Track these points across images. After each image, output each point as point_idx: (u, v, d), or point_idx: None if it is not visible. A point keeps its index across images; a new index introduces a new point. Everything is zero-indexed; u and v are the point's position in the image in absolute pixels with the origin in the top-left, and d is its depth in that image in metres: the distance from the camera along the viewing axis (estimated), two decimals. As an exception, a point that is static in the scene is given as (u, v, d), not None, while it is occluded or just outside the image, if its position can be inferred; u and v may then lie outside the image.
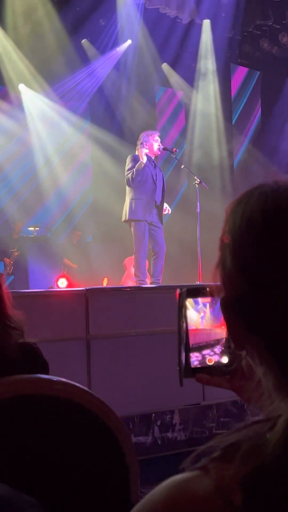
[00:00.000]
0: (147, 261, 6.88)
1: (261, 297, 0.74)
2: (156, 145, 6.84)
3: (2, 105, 10.76)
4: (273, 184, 0.78)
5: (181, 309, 1.01)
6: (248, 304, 0.75)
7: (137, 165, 6.63)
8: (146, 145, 6.82)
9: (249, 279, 0.75)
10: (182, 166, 7.31)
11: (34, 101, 11.12)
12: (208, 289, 0.96)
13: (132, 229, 6.74)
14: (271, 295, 0.72)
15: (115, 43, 10.80)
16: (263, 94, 11.84)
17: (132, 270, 7.94)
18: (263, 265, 0.74)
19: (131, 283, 8.43)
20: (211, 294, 0.96)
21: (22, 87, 10.88)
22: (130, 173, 6.66)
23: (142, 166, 6.61)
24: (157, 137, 6.89)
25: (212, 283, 0.83)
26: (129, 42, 10.82)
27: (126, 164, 6.83)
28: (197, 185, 7.11)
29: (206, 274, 6.67)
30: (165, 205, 6.87)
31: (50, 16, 9.69)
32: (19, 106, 10.98)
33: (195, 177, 7.15)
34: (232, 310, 0.78)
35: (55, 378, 1.26)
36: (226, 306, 0.79)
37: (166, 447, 4.30)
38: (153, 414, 4.33)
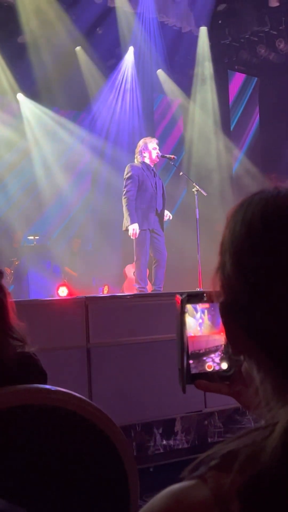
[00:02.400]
0: (147, 268, 6.88)
1: (260, 303, 0.74)
2: (155, 153, 6.85)
3: (0, 115, 10.79)
4: (273, 190, 0.78)
5: (182, 315, 1.01)
6: (247, 309, 0.75)
7: (128, 217, 6.58)
8: (144, 153, 6.83)
9: (248, 284, 0.75)
10: (181, 173, 7.31)
11: (33, 110, 11.16)
12: (206, 294, 0.96)
13: (133, 237, 6.75)
14: (270, 300, 0.73)
15: (113, 52, 10.82)
16: (261, 100, 11.87)
17: (133, 277, 7.94)
18: (262, 270, 0.74)
19: (131, 290, 8.43)
20: (210, 299, 0.96)
21: (20, 96, 10.92)
22: (126, 198, 6.65)
23: (127, 224, 6.58)
24: (155, 145, 6.89)
25: (211, 289, 0.83)
26: (131, 49, 10.86)
27: (125, 173, 6.82)
28: (196, 192, 7.11)
29: (206, 280, 6.65)
30: (166, 211, 6.87)
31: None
32: (18, 115, 11.02)
33: (194, 184, 7.15)
34: (231, 314, 0.78)
35: (52, 387, 1.25)
36: (225, 310, 0.79)
37: (168, 455, 4.28)
38: (155, 422, 4.31)
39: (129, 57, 11.02)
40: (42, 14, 9.29)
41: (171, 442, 4.33)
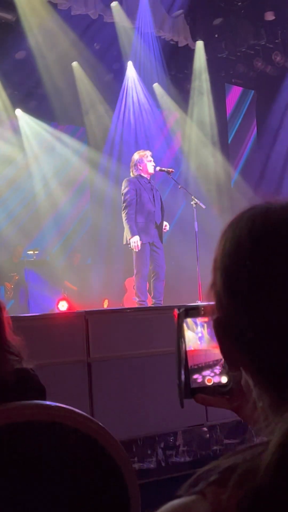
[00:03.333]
0: (147, 281, 6.88)
1: (248, 321, 0.74)
2: (150, 165, 6.83)
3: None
4: (262, 207, 0.79)
5: (180, 329, 1.01)
6: (238, 325, 0.76)
7: (129, 231, 6.59)
8: (140, 166, 6.82)
9: (237, 302, 0.76)
10: (180, 187, 7.32)
11: (31, 125, 11.22)
12: (206, 308, 0.97)
13: (133, 250, 6.74)
14: (259, 317, 0.73)
15: (110, 67, 10.88)
16: (258, 113, 11.92)
17: (133, 291, 7.93)
18: (250, 288, 0.74)
19: (132, 304, 8.42)
20: (206, 315, 0.97)
21: (18, 112, 10.98)
22: (125, 215, 6.66)
23: (129, 236, 6.60)
24: (149, 157, 6.87)
25: (207, 304, 0.83)
26: (130, 64, 10.93)
27: (123, 188, 6.81)
28: (194, 205, 7.12)
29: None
30: (164, 223, 6.87)
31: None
32: (16, 131, 11.07)
33: (193, 197, 7.16)
34: (224, 331, 0.79)
35: (52, 403, 1.25)
36: (218, 327, 0.80)
37: (170, 470, 4.26)
38: (157, 436, 4.29)
39: (130, 72, 11.09)
40: (42, 29, 9.35)
41: (173, 456, 4.31)
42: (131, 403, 4.34)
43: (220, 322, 0.79)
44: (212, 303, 0.81)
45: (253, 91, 11.81)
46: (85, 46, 10.09)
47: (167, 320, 4.45)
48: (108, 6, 9.25)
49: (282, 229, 0.75)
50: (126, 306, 8.74)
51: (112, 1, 9.18)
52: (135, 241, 6.53)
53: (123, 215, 6.70)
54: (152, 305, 6.65)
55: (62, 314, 6.64)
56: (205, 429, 4.49)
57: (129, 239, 6.57)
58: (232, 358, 0.79)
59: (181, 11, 9.65)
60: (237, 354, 0.77)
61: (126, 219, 6.64)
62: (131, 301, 8.42)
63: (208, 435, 4.49)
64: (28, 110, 11.06)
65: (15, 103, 10.75)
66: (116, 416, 4.12)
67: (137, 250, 6.57)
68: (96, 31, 9.89)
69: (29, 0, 8.86)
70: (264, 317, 0.72)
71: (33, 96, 10.94)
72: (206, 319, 1.01)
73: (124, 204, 6.70)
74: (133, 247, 6.55)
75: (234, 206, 10.59)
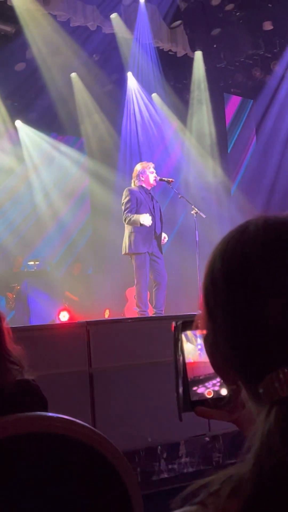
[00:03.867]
0: (148, 291, 6.87)
1: (228, 340, 0.77)
2: (152, 176, 6.87)
3: (-1, 142, 10.89)
4: (240, 228, 0.80)
5: (177, 342, 1.01)
6: (223, 345, 0.78)
7: (135, 219, 6.61)
8: (142, 177, 6.85)
9: (213, 322, 0.79)
10: (180, 196, 7.33)
11: (31, 136, 11.25)
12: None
13: (133, 261, 6.74)
14: (235, 338, 0.76)
15: (109, 78, 10.92)
16: (257, 122, 11.95)
17: (134, 301, 7.92)
18: (222, 310, 0.77)
19: (133, 314, 8.41)
20: (196, 329, 0.98)
21: (18, 123, 11.02)
22: (128, 218, 6.68)
23: (138, 225, 6.62)
24: (152, 168, 6.91)
25: (195, 319, 0.86)
26: (130, 75, 10.99)
27: (123, 197, 6.84)
28: (195, 215, 7.13)
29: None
30: (163, 234, 6.88)
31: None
32: (16, 142, 11.10)
33: (193, 207, 7.17)
34: (211, 347, 0.81)
35: (54, 415, 1.24)
36: (206, 342, 0.83)
37: (173, 480, 4.24)
38: (159, 447, 4.27)
39: (131, 82, 11.15)
40: (42, 41, 9.41)
41: (176, 466, 4.29)
42: (133, 414, 4.33)
43: (208, 339, 0.82)
44: (200, 320, 0.84)
45: (252, 101, 11.84)
46: (84, 57, 10.15)
47: (169, 330, 4.43)
48: (106, 18, 9.30)
49: (251, 253, 0.76)
50: (127, 316, 8.73)
51: (110, 13, 9.22)
52: (145, 218, 6.53)
53: (125, 221, 6.72)
54: (153, 315, 6.64)
55: (64, 324, 6.63)
56: (207, 439, 4.47)
57: (140, 221, 6.56)
58: (223, 372, 0.81)
59: (179, 22, 9.70)
60: (227, 368, 0.79)
61: (128, 221, 6.66)
62: (132, 311, 8.42)
63: (210, 445, 4.47)
64: (28, 121, 11.10)
65: (14, 114, 10.79)
66: (118, 426, 4.11)
67: (149, 224, 6.56)
68: (95, 42, 9.94)
69: (29, 11, 8.90)
70: (241, 341, 0.75)
71: (32, 107, 10.98)
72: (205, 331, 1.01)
73: (125, 213, 6.73)
74: (147, 223, 6.54)
75: (234, 215, 10.60)
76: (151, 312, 6.81)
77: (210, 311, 0.79)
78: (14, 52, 9.68)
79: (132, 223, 6.64)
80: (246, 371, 0.75)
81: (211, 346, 0.81)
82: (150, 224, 6.56)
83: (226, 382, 0.83)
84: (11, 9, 8.85)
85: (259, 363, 0.73)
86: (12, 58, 9.80)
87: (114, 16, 9.38)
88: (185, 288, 8.88)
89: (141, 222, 6.56)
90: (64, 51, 9.75)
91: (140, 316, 6.58)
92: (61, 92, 10.57)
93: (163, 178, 7.18)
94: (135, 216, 6.60)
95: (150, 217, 6.56)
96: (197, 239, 7.12)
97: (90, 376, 4.26)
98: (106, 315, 9.91)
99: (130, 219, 6.63)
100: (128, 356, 4.47)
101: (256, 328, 0.73)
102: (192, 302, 7.58)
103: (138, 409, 4.37)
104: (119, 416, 4.24)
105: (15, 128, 11.05)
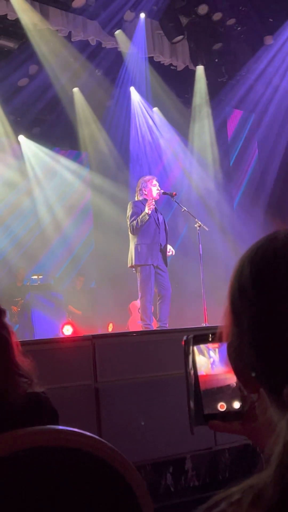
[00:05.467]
0: (152, 305, 6.87)
1: (255, 347, 0.77)
2: (155, 190, 6.91)
3: (2, 156, 10.93)
4: (268, 237, 0.82)
5: (188, 356, 1.01)
6: (247, 350, 0.78)
7: (141, 216, 6.66)
8: (145, 190, 6.89)
9: (241, 328, 0.79)
10: (183, 210, 7.35)
11: (34, 151, 11.30)
12: (215, 334, 0.98)
13: (138, 273, 6.75)
14: (262, 346, 0.76)
15: (110, 93, 10.98)
16: (259, 136, 11.98)
17: (137, 314, 7.92)
18: (251, 316, 0.78)
19: (136, 327, 8.40)
20: (218, 340, 0.98)
21: (21, 138, 11.07)
22: (135, 222, 6.71)
23: (147, 218, 6.65)
24: (154, 182, 6.96)
25: (218, 329, 0.86)
26: (133, 90, 11.06)
27: (128, 210, 6.88)
28: (198, 228, 7.14)
29: (211, 315, 6.64)
30: (169, 246, 6.90)
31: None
32: (19, 156, 11.16)
33: (196, 220, 7.19)
34: (236, 354, 0.82)
35: (67, 428, 1.25)
36: (230, 351, 0.83)
37: (179, 494, 4.22)
38: (165, 461, 4.25)
39: (134, 97, 11.21)
40: (44, 56, 9.47)
41: (182, 480, 4.27)
42: (139, 428, 4.31)
43: (232, 346, 0.82)
44: (224, 329, 0.84)
45: (254, 114, 11.89)
46: (86, 72, 10.22)
47: (173, 343, 4.44)
48: (108, 33, 9.36)
49: (281, 259, 0.77)
50: (131, 329, 8.71)
51: (110, 27, 9.28)
52: (147, 206, 6.62)
53: (132, 231, 6.75)
54: (157, 328, 6.64)
55: (69, 338, 6.62)
56: (213, 453, 4.45)
57: (146, 211, 6.65)
58: (245, 379, 0.81)
59: (181, 37, 9.77)
60: (250, 376, 0.79)
61: (134, 226, 6.70)
62: (136, 324, 8.40)
63: (216, 459, 4.45)
64: (31, 136, 11.15)
65: (18, 130, 10.85)
66: (124, 440, 4.09)
67: (150, 210, 6.63)
68: (97, 57, 10.02)
69: (33, 27, 8.97)
70: (264, 346, 0.75)
71: (35, 122, 11.05)
72: (216, 345, 1.01)
73: (131, 226, 6.76)
74: (150, 206, 6.64)
75: (237, 229, 10.61)
76: (155, 326, 6.81)
77: (236, 317, 0.80)
78: (17, 68, 9.76)
79: (140, 222, 6.67)
80: (270, 377, 0.76)
81: (235, 351, 0.81)
82: (153, 208, 6.67)
83: (247, 389, 0.83)
84: (14, 25, 8.93)
85: (284, 368, 0.73)
86: (15, 74, 9.87)
87: (118, 32, 9.45)
88: (189, 301, 8.87)
89: (147, 211, 6.62)
90: (67, 66, 9.82)
91: (144, 329, 6.57)
92: (63, 107, 10.64)
93: (166, 192, 7.21)
94: (142, 216, 6.66)
95: (153, 206, 6.65)
96: (200, 252, 7.13)
97: (96, 390, 4.25)
98: (110, 328, 9.89)
99: (137, 222, 6.67)
100: (133, 369, 4.46)
101: (282, 333, 0.73)
102: (196, 315, 7.57)
103: (144, 422, 4.35)
104: (125, 430, 4.23)
105: (18, 143, 11.10)
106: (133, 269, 6.80)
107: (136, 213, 6.75)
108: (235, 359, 0.81)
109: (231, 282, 0.82)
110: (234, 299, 0.81)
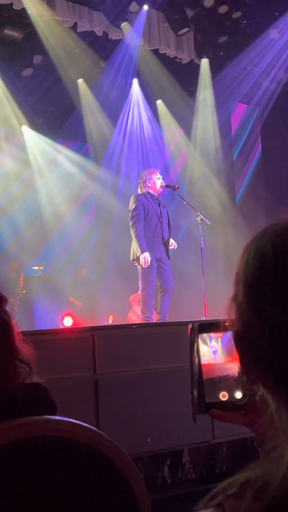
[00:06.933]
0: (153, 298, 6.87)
1: (270, 334, 0.75)
2: (159, 183, 6.92)
3: (5, 147, 10.92)
4: (285, 223, 0.80)
5: (193, 344, 1.01)
6: (258, 338, 0.77)
7: (141, 259, 6.61)
8: (149, 183, 6.89)
9: (258, 315, 0.77)
10: (185, 203, 7.34)
11: (37, 142, 11.28)
12: (220, 323, 0.98)
13: (139, 266, 6.75)
14: (280, 332, 0.74)
15: (115, 84, 10.95)
16: (263, 130, 11.96)
17: (137, 307, 7.92)
18: (272, 302, 0.75)
19: (136, 320, 8.41)
20: (224, 328, 0.97)
21: (24, 128, 11.05)
22: (134, 228, 6.69)
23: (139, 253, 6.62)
24: (158, 175, 6.97)
25: (225, 318, 0.85)
26: (135, 82, 11.04)
27: (130, 204, 6.87)
28: (200, 221, 7.14)
29: (212, 309, 6.65)
30: (171, 240, 6.90)
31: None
32: (22, 147, 11.14)
33: (198, 213, 7.19)
34: (244, 344, 0.80)
35: (64, 419, 1.25)
36: (238, 339, 0.81)
37: (176, 487, 4.23)
38: (163, 453, 4.26)
39: (135, 89, 11.19)
40: (49, 46, 9.45)
41: (179, 473, 4.28)
42: (137, 420, 4.32)
43: (240, 334, 0.80)
44: (231, 316, 0.82)
45: (258, 108, 11.86)
46: (91, 63, 10.19)
47: (173, 336, 4.44)
48: (112, 23, 9.33)
49: None
50: (131, 322, 8.73)
51: (115, 19, 9.25)
52: (145, 257, 6.55)
53: (132, 231, 6.73)
54: (158, 321, 6.64)
55: (69, 329, 6.63)
56: (211, 446, 4.46)
57: (139, 255, 6.58)
58: (251, 370, 0.80)
59: (186, 29, 9.73)
60: (257, 367, 0.78)
61: (136, 235, 6.67)
62: (136, 317, 8.42)
63: (214, 452, 4.46)
64: (34, 127, 11.13)
65: (21, 120, 10.82)
66: (123, 432, 4.11)
67: (145, 266, 6.59)
68: (102, 49, 9.99)
69: (38, 17, 8.95)
70: (284, 333, 0.73)
71: (39, 113, 11.03)
72: (220, 334, 1.01)
73: (133, 221, 6.74)
74: (142, 263, 6.57)
75: (239, 223, 10.60)
76: (155, 318, 6.82)
77: (250, 305, 0.78)
78: (22, 58, 9.74)
79: (135, 242, 6.66)
80: (277, 368, 0.74)
81: (244, 342, 0.79)
82: (143, 264, 6.58)
83: (249, 379, 0.82)
84: (19, 14, 8.91)
85: None
86: (19, 64, 9.86)
87: (124, 24, 9.42)
88: (189, 295, 8.88)
89: (139, 254, 6.58)
90: (72, 57, 9.79)
91: (144, 322, 6.58)
92: (68, 98, 10.62)
93: (169, 185, 7.22)
94: (140, 246, 6.59)
95: (148, 258, 6.56)
96: (202, 246, 7.12)
97: (95, 381, 4.26)
98: (110, 321, 9.91)
99: (136, 237, 6.65)
100: (132, 362, 4.47)
101: None
102: (196, 309, 7.58)
103: (142, 415, 4.36)
104: (123, 421, 4.24)
105: (21, 133, 11.08)
106: (135, 261, 6.80)
107: (139, 209, 6.75)
108: (242, 348, 0.80)
109: (247, 269, 0.80)
110: (251, 287, 0.78)
